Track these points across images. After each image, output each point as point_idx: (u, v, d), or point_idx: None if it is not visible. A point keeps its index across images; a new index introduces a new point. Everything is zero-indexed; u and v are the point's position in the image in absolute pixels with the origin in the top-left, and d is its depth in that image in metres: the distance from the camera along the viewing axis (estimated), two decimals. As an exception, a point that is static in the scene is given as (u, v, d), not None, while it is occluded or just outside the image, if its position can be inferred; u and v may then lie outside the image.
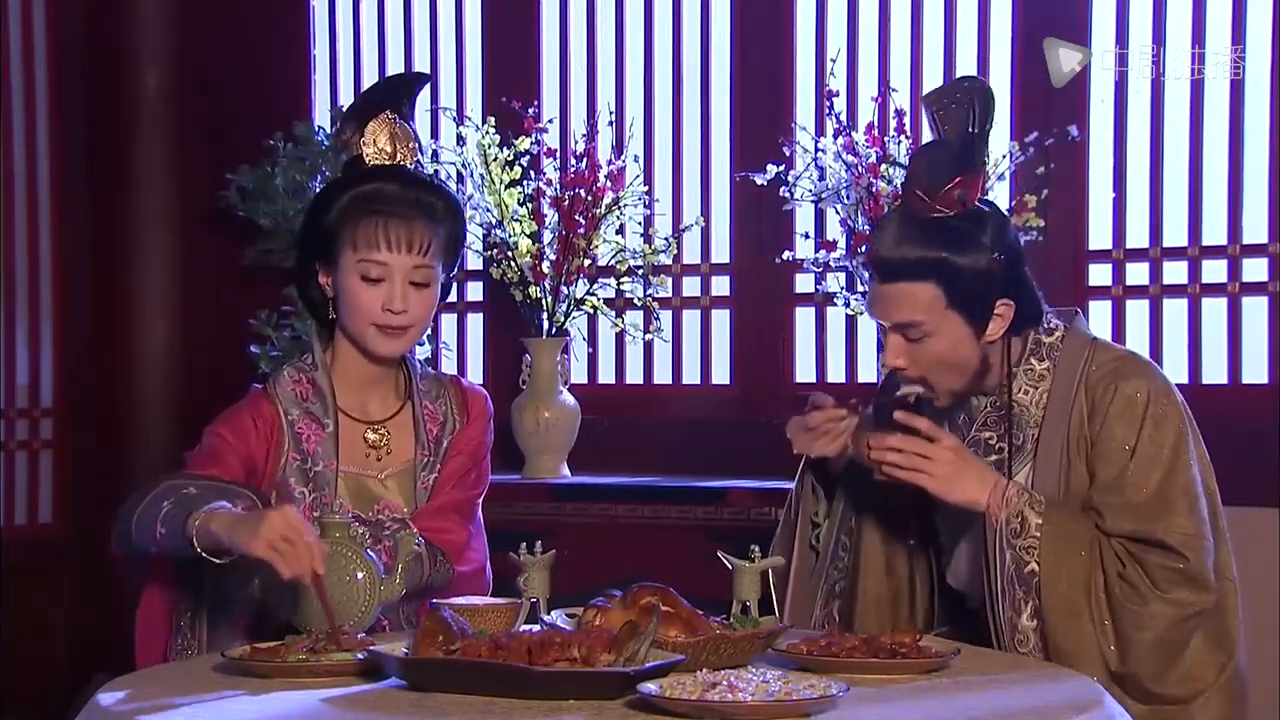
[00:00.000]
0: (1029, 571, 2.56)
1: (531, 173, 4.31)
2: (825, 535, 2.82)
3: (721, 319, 4.58)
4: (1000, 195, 4.04)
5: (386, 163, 2.77)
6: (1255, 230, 3.98)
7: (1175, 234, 4.07)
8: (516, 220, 4.27)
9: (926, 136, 4.10)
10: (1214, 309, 4.04)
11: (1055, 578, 2.56)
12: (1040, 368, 2.70)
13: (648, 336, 4.49)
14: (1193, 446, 2.65)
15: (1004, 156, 3.99)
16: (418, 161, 2.84)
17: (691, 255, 4.59)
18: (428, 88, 4.85)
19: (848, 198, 4.04)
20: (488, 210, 4.28)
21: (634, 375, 4.68)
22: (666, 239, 4.41)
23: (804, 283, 4.41)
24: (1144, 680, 2.57)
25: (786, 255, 4.25)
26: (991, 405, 2.72)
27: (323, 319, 2.84)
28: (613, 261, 4.35)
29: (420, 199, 2.75)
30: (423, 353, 4.68)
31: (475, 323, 4.85)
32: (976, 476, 2.60)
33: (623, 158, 4.37)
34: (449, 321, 4.86)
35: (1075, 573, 2.56)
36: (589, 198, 4.26)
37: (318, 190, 2.91)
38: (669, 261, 4.48)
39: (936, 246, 2.57)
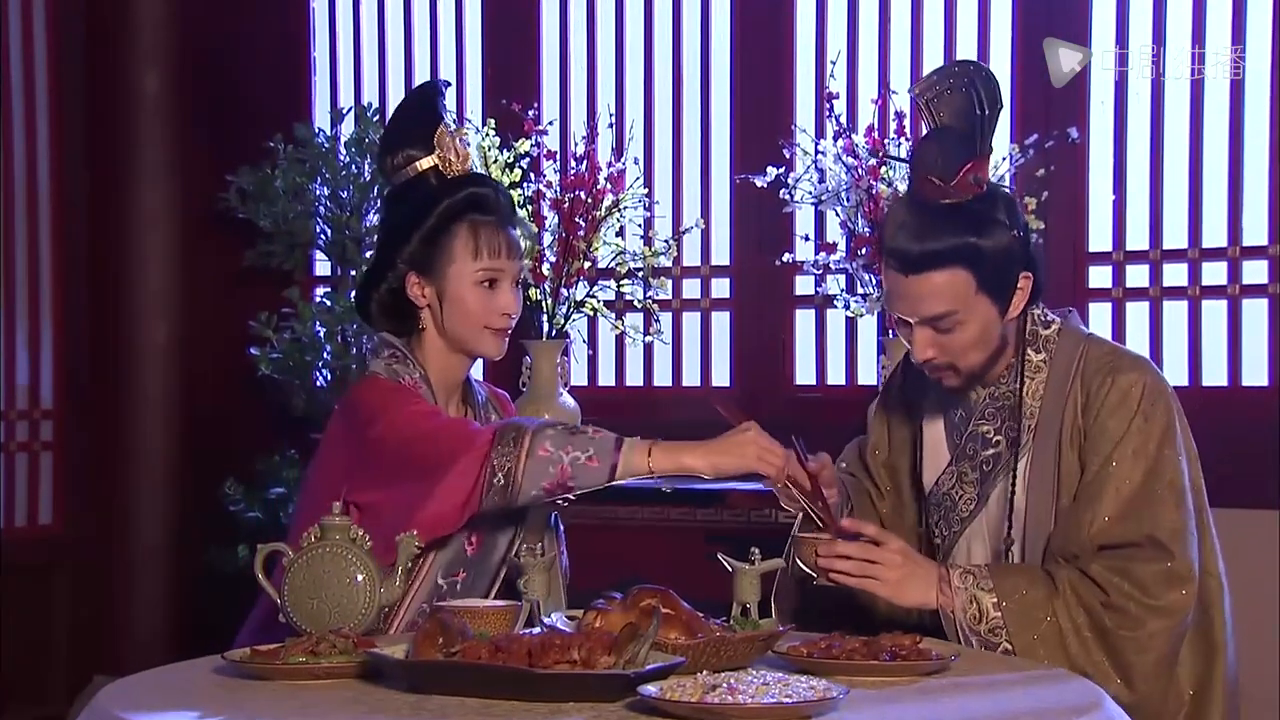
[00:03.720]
0: (1002, 652, 2.55)
1: (531, 175, 4.31)
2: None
3: (721, 321, 4.58)
4: (1000, 197, 4.04)
5: (460, 172, 2.82)
6: (1255, 232, 3.98)
7: (1175, 236, 4.07)
8: (517, 222, 4.27)
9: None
10: (1214, 311, 4.04)
11: (1032, 654, 2.54)
12: (1036, 359, 2.70)
13: (648, 339, 4.49)
14: (1180, 440, 2.64)
15: (1004, 159, 3.98)
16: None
17: (691, 257, 4.59)
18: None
19: (848, 200, 4.04)
20: (488, 212, 4.28)
21: (634, 377, 4.68)
22: (666, 241, 4.41)
23: (804, 285, 4.41)
24: (1153, 703, 2.56)
25: (786, 257, 4.25)
26: (990, 397, 2.72)
27: (411, 329, 2.85)
28: (613, 264, 4.35)
29: (511, 203, 2.87)
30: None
31: (475, 324, 4.85)
32: (923, 577, 2.59)
33: (623, 160, 4.37)
34: (449, 323, 4.86)
35: (1049, 641, 2.55)
36: (589, 200, 4.25)
37: (393, 202, 2.92)
38: (669, 264, 4.48)
39: (963, 232, 2.56)
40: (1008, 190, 2.70)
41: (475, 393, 2.96)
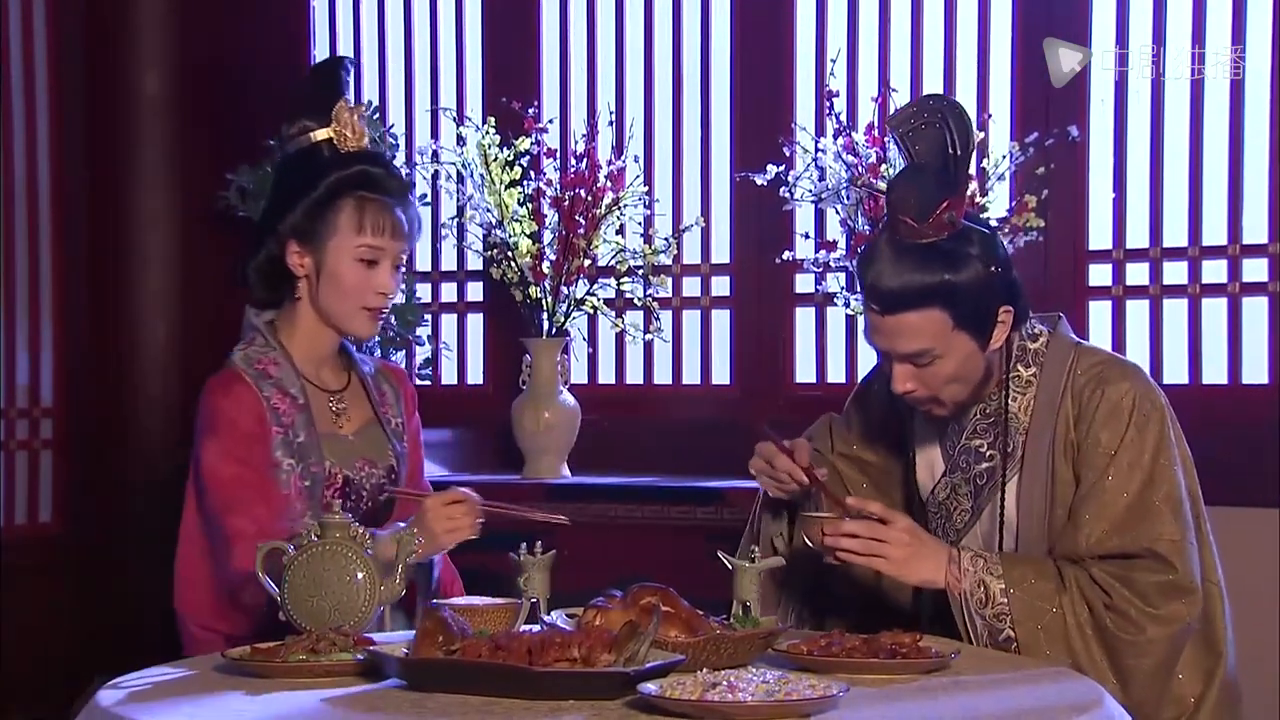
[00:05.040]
0: (1005, 639, 2.56)
1: (531, 173, 4.31)
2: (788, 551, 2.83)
3: (721, 319, 4.58)
4: (1000, 196, 4.04)
5: (355, 148, 2.82)
6: (1255, 230, 3.98)
7: (1175, 234, 4.07)
8: (517, 220, 4.27)
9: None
10: (1214, 309, 4.04)
11: (1035, 643, 2.55)
12: (1026, 374, 2.69)
13: (648, 337, 4.49)
14: (1175, 448, 2.63)
15: (1004, 157, 3.99)
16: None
17: (691, 255, 4.59)
18: (427, 85, 4.88)
19: (848, 198, 4.04)
20: (488, 210, 4.29)
21: (634, 375, 4.68)
22: (666, 239, 4.41)
23: (804, 283, 4.41)
24: (1146, 708, 2.56)
25: (786, 255, 4.25)
26: (981, 413, 2.72)
27: (286, 298, 2.89)
28: (613, 262, 4.35)
29: (402, 183, 2.88)
30: (423, 353, 4.68)
31: (475, 323, 4.86)
32: (931, 556, 2.59)
33: (623, 158, 4.37)
34: (449, 322, 4.86)
35: (1053, 633, 2.55)
36: (589, 198, 4.26)
37: (284, 170, 2.95)
38: (669, 262, 4.48)
39: (937, 271, 2.54)
40: (985, 227, 2.66)
41: (360, 364, 2.97)
